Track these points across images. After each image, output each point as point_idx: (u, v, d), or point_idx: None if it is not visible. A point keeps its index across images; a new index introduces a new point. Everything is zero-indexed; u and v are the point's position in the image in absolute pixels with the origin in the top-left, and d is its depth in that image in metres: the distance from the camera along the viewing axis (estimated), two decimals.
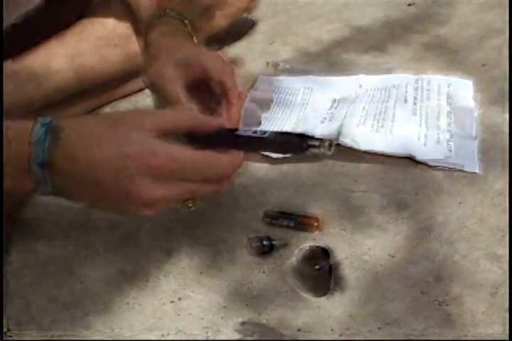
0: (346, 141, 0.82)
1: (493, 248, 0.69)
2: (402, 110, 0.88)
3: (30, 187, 0.59)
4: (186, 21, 0.85)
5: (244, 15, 1.17)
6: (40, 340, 0.67)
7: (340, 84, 0.97)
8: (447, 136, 0.84)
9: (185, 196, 0.61)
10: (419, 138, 0.83)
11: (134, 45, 0.99)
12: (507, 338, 0.61)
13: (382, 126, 0.85)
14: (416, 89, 0.93)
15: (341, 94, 0.94)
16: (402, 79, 0.96)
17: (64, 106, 0.99)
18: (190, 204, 0.64)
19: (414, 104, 0.89)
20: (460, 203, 0.75)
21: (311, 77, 1.00)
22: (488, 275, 0.67)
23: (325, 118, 0.89)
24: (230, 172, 0.60)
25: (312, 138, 0.59)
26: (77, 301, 0.71)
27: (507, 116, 0.87)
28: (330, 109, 0.91)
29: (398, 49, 1.06)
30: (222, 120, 0.64)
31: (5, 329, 0.68)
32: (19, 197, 0.83)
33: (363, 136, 0.84)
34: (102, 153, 0.56)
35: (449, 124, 0.86)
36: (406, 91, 0.92)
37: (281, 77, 1.02)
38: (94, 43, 0.97)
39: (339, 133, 0.83)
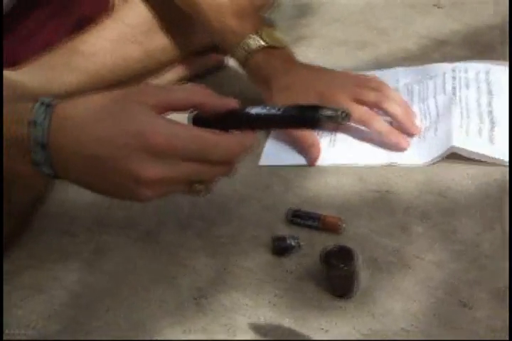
0: None
1: None
2: (442, 102, 0.86)
3: (32, 170, 0.57)
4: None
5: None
6: (39, 340, 0.67)
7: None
8: (489, 126, 0.81)
9: (189, 177, 0.58)
10: (461, 126, 0.81)
11: (156, 42, 1.00)
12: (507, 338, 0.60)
13: (425, 136, 0.84)
14: (454, 78, 0.90)
15: None
16: (439, 69, 0.93)
17: None
18: (200, 188, 0.59)
19: (453, 94, 0.87)
20: (487, 204, 0.74)
21: None
22: None
23: None
24: (237, 152, 0.57)
25: (326, 108, 0.57)
26: (99, 297, 0.71)
27: None
28: None
29: (426, 50, 1.05)
30: (235, 102, 0.61)
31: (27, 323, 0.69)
32: (36, 193, 0.83)
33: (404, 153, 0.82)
34: (101, 130, 0.55)
35: (489, 113, 0.84)
36: (444, 82, 0.90)
37: None
38: (116, 41, 0.97)
39: None
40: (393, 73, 0.96)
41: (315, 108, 0.58)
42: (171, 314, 0.68)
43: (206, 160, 0.56)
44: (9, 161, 0.58)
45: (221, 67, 1.06)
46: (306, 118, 0.59)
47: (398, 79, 0.94)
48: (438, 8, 1.18)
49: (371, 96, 0.82)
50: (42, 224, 0.81)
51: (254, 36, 0.86)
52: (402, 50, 1.07)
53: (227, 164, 0.59)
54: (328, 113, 0.57)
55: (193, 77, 1.04)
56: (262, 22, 0.89)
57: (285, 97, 0.82)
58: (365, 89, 0.83)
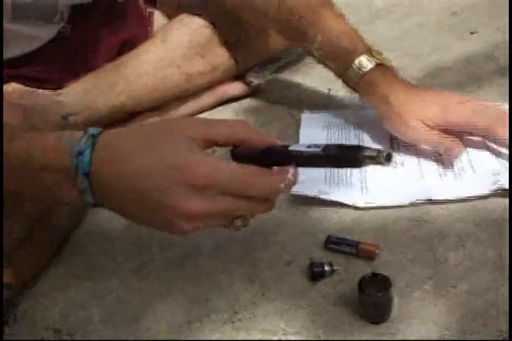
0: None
1: None
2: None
3: (76, 197, 0.59)
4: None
5: None
6: (37, 340, 0.69)
7: None
8: None
9: (228, 212, 0.58)
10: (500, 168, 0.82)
11: (196, 65, 1.02)
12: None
13: (463, 170, 0.84)
14: None
15: None
16: None
17: (125, 124, 1.02)
18: (239, 223, 0.60)
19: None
20: None
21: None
22: None
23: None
24: (276, 189, 0.57)
25: (369, 149, 0.58)
26: (138, 316, 0.72)
27: None
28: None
29: (460, 78, 1.06)
30: (275, 139, 0.62)
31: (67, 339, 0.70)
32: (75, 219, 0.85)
33: (443, 186, 0.82)
34: (143, 162, 0.56)
35: None
36: None
37: (327, 112, 1.00)
38: (157, 64, 0.99)
39: None
40: None
41: (357, 148, 0.59)
42: (209, 335, 0.69)
43: (246, 196, 0.57)
44: (54, 188, 0.59)
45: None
46: (348, 158, 0.59)
47: None
48: (472, 34, 1.19)
49: (492, 113, 0.83)
50: (82, 244, 0.83)
51: (367, 55, 0.87)
52: (436, 76, 1.07)
53: (266, 200, 0.59)
54: (371, 153, 0.57)
55: (231, 101, 1.07)
56: (365, 41, 0.90)
57: (408, 110, 0.84)
58: (484, 106, 0.84)
